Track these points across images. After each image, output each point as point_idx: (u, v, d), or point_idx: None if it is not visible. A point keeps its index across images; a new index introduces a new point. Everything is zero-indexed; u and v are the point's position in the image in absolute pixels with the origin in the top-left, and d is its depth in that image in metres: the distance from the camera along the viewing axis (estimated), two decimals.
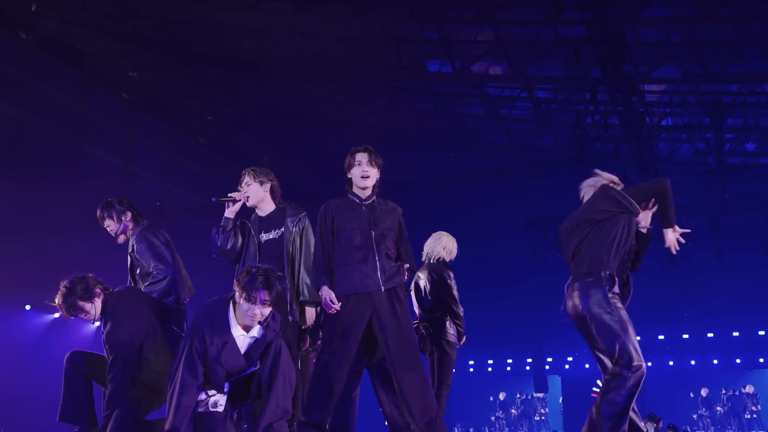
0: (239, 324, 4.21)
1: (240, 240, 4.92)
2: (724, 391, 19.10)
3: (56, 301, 4.73)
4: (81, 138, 13.44)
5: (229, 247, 4.88)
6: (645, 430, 4.72)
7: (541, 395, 22.13)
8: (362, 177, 4.60)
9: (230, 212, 4.91)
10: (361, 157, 4.63)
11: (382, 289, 4.49)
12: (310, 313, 4.86)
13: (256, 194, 4.95)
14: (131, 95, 13.90)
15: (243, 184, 4.97)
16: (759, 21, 10.39)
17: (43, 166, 12.56)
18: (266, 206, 5.02)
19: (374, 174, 4.64)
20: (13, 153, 12.27)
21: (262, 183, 4.97)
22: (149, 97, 14.13)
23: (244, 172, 5.02)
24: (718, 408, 18.91)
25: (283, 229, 4.91)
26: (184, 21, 11.72)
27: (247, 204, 4.95)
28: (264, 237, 4.94)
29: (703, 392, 19.37)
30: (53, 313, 12.66)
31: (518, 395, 21.94)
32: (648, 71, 11.41)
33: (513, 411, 21.90)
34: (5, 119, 12.12)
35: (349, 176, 4.69)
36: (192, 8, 11.29)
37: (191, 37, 11.93)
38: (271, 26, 11.74)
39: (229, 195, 4.91)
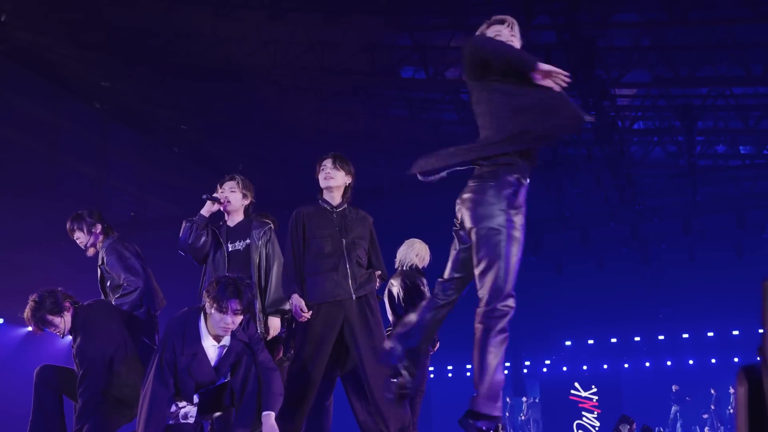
0: (210, 334, 4.18)
1: (209, 241, 4.92)
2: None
3: (25, 314, 4.69)
4: (54, 149, 13.31)
5: (199, 244, 4.89)
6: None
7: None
8: (325, 179, 4.64)
9: (206, 211, 4.93)
10: (326, 162, 4.69)
11: (354, 298, 4.49)
12: (274, 323, 4.85)
13: (236, 203, 4.97)
14: (104, 105, 13.80)
15: (227, 189, 4.97)
16: (727, 25, 10.53)
17: (15, 177, 12.42)
18: (236, 217, 5.04)
19: (339, 177, 4.67)
20: None
21: (244, 195, 5.01)
22: (122, 107, 14.04)
23: (230, 177, 5.04)
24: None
25: (248, 240, 4.92)
26: (156, 30, 11.66)
27: (225, 209, 4.96)
28: (230, 247, 4.95)
29: (674, 388, 19.57)
30: (26, 326, 12.52)
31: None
32: (619, 75, 11.52)
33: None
34: None
35: (319, 183, 4.72)
36: (164, 17, 11.24)
37: (163, 46, 11.87)
38: (245, 35, 11.71)
39: (214, 195, 4.94)
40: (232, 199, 4.96)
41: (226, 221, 5.04)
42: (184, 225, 4.94)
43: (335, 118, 14.27)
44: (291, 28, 11.48)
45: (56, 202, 12.19)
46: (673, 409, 19.52)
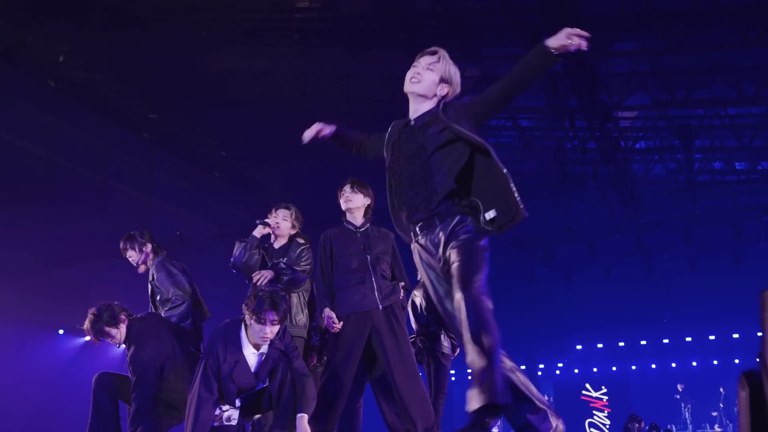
0: (250, 343, 4.22)
1: (259, 260, 4.98)
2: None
3: (85, 326, 4.75)
4: (105, 175, 13.48)
5: (252, 262, 4.94)
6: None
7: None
8: (345, 202, 4.74)
9: (258, 233, 5.00)
10: (345, 187, 4.78)
11: (380, 308, 4.52)
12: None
13: (284, 230, 5.07)
14: (151, 135, 13.96)
15: (279, 216, 5.04)
16: (719, 51, 10.46)
17: (73, 201, 12.58)
18: (282, 240, 5.12)
19: (358, 199, 4.73)
20: (45, 190, 12.31)
21: (293, 225, 5.10)
22: (167, 137, 14.19)
23: (286, 206, 5.14)
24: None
25: (286, 259, 4.98)
26: (197, 66, 11.81)
27: (273, 232, 5.02)
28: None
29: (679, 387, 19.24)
30: (84, 336, 12.65)
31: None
32: (621, 99, 11.46)
33: None
34: (37, 160, 12.17)
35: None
36: (206, 55, 11.39)
37: (204, 81, 12.02)
38: (277, 69, 11.82)
39: (266, 221, 5.00)
40: (282, 225, 5.04)
41: (272, 243, 5.11)
42: (237, 245, 4.99)
43: None
44: (319, 62, 11.57)
45: (109, 223, 12.34)
46: (684, 406, 19.15)
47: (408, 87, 3.36)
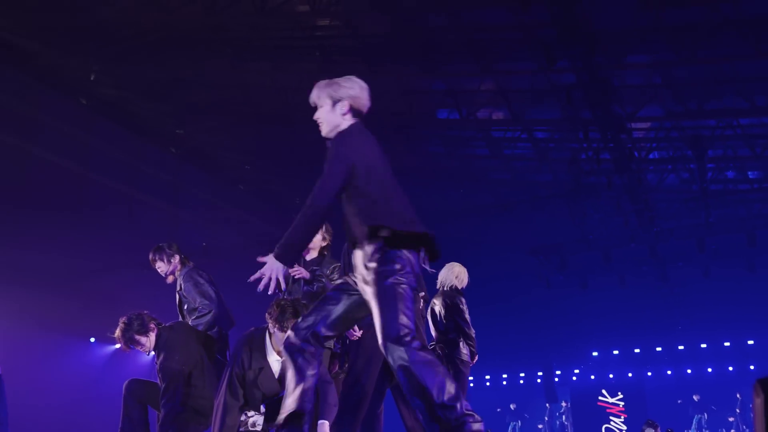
0: (274, 350, 4.23)
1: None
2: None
3: (116, 334, 4.79)
4: (134, 188, 13.60)
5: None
6: None
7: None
8: None
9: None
10: None
11: None
12: None
13: (315, 242, 5.13)
14: (178, 150, 14.08)
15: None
16: (730, 62, 10.38)
17: (103, 214, 12.71)
18: (313, 253, 5.20)
19: None
20: (77, 204, 12.45)
21: (324, 237, 5.18)
22: (194, 151, 14.30)
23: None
24: None
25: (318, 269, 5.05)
26: (222, 84, 11.91)
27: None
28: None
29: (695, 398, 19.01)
30: (114, 344, 12.77)
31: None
32: (634, 111, 11.38)
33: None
34: (68, 175, 12.31)
35: None
36: (229, 73, 11.49)
37: (229, 97, 12.11)
38: (299, 84, 11.87)
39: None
40: (314, 238, 5.06)
41: (304, 256, 5.13)
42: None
43: None
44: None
45: (138, 235, 12.44)
46: (696, 417, 18.91)
47: None
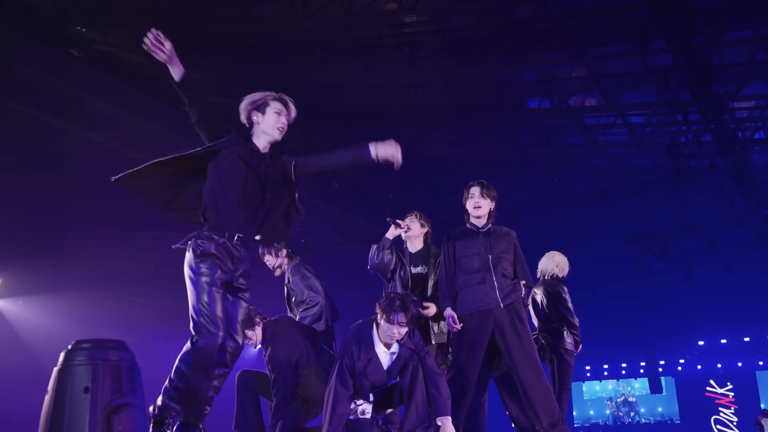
0: (381, 342, 4.30)
1: (394, 259, 5.07)
2: None
3: None
4: None
5: (386, 262, 5.04)
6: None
7: None
8: (474, 208, 4.66)
9: (390, 234, 5.11)
10: (474, 190, 4.69)
11: (501, 305, 4.48)
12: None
13: (415, 230, 5.16)
14: None
15: (407, 220, 5.18)
16: None
17: None
18: (417, 244, 5.21)
19: (486, 205, 4.66)
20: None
21: (422, 225, 5.20)
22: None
23: (412, 213, 5.27)
24: None
25: (427, 267, 5.07)
26: (313, 84, 12.16)
27: (404, 235, 5.12)
28: (413, 269, 5.11)
29: None
30: None
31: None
32: (737, 90, 10.83)
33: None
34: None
35: (466, 208, 4.74)
36: (320, 74, 11.71)
37: (321, 97, 12.34)
38: (388, 82, 11.97)
39: (398, 221, 5.11)
40: (412, 226, 5.14)
41: (407, 247, 5.19)
42: (372, 248, 5.14)
43: (470, 149, 14.26)
44: (428, 73, 11.63)
45: None
46: None
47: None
